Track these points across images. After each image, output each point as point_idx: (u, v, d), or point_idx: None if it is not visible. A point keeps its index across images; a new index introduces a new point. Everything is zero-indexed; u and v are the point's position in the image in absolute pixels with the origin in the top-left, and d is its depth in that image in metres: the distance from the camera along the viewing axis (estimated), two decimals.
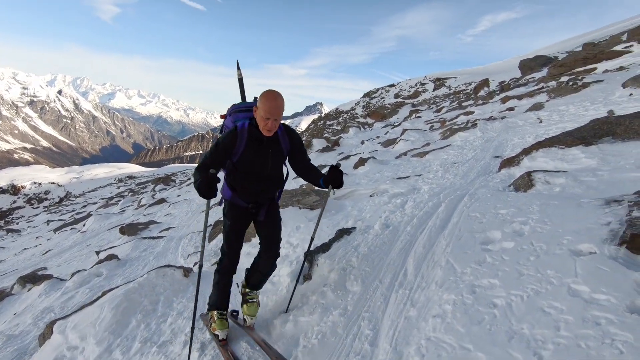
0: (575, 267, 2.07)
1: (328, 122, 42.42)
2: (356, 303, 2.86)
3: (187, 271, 4.86)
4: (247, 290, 3.22)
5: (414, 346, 2.09)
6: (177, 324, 3.67)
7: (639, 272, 1.90)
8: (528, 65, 27.52)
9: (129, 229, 11.08)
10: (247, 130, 2.65)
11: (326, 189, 2.88)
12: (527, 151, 5.25)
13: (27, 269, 10.01)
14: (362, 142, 17.25)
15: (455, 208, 3.75)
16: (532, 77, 21.23)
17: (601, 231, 2.35)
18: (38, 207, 42.55)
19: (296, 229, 5.18)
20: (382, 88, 67.37)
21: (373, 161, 9.61)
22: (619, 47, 16.63)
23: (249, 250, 5.03)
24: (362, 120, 34.92)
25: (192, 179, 2.71)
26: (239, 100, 3.24)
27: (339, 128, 30.23)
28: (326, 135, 24.15)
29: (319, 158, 15.21)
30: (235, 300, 3.66)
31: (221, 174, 2.82)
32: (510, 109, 12.14)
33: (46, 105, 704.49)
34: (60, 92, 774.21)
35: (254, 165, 2.73)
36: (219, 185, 2.65)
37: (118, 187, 41.77)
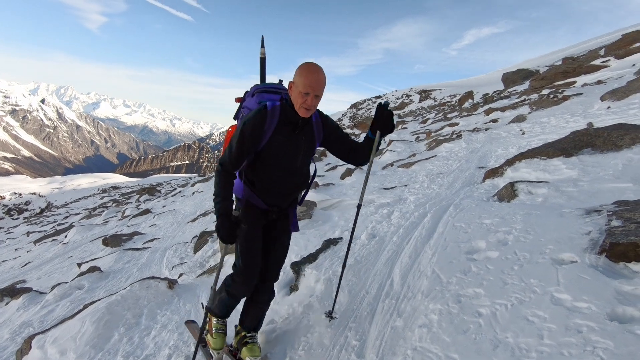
0: (557, 275, 2.11)
1: None
2: (343, 314, 2.85)
3: (171, 283, 4.78)
4: (244, 333, 2.68)
5: (400, 356, 2.09)
6: (161, 337, 3.60)
7: (618, 280, 1.95)
8: (510, 78, 28.16)
9: (113, 240, 10.86)
10: (279, 110, 2.19)
11: (374, 138, 2.44)
12: (510, 162, 5.35)
13: (5, 282, 9.71)
14: None
15: (440, 218, 3.79)
16: (515, 90, 21.72)
17: (582, 240, 2.40)
18: (18, 218, 41.44)
19: None
20: (369, 99, 68.16)
21: (360, 172, 9.66)
22: (597, 62, 17.17)
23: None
24: (349, 131, 35.15)
25: (213, 190, 2.20)
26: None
27: None
28: None
29: None
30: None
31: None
32: (494, 120, 12.38)
33: (28, 115, 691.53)
34: (43, 101, 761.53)
35: (282, 156, 2.25)
36: (237, 183, 2.35)
37: (101, 198, 41.02)
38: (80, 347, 3.52)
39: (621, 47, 19.04)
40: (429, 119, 24.51)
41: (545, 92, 14.18)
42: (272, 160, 2.25)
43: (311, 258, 3.97)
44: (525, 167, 4.98)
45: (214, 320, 2.72)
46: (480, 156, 7.84)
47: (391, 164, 10.44)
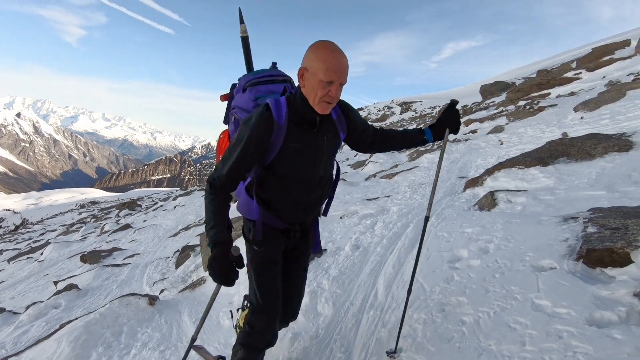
0: (537, 282, 2.15)
1: None
2: (327, 326, 2.83)
3: (152, 299, 4.67)
4: None
5: None
6: (142, 356, 3.49)
7: (595, 285, 2.00)
8: (488, 90, 28.92)
9: (91, 257, 10.57)
10: (287, 108, 1.68)
11: (438, 141, 2.09)
12: (490, 172, 5.45)
13: None
14: None
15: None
16: (493, 102, 22.28)
17: (560, 247, 2.45)
18: None
19: None
20: None
21: (343, 183, 9.70)
22: (569, 74, 17.80)
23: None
24: None
25: (204, 217, 1.74)
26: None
27: None
28: None
29: None
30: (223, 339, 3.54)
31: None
32: (473, 131, 12.64)
33: (3, 129, 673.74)
34: (19, 114, 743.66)
35: (300, 167, 1.76)
36: (238, 199, 1.92)
37: (80, 213, 39.99)
38: None
39: (592, 60, 19.81)
40: None
41: (521, 103, 14.59)
42: (288, 173, 1.76)
43: None
44: (504, 176, 5.09)
45: None
46: (460, 166, 7.97)
47: (374, 175, 10.51)
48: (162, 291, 5.73)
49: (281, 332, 2.93)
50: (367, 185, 9.40)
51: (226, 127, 2.10)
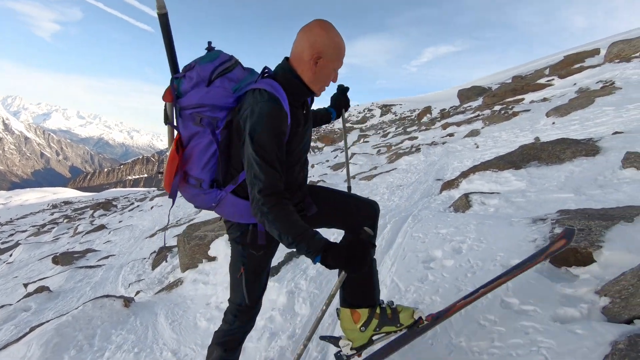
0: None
1: None
2: (305, 325, 2.85)
3: (127, 301, 4.59)
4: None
5: None
6: (116, 358, 3.44)
7: (560, 283, 2.09)
8: (465, 95, 29.54)
9: (63, 258, 10.28)
10: (284, 94, 1.59)
11: (337, 118, 2.38)
12: (465, 174, 5.60)
13: None
14: (312, 166, 17.46)
15: (400, 229, 3.89)
16: (469, 106, 22.78)
17: (529, 247, 2.55)
18: None
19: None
20: None
21: (322, 185, 9.75)
22: (542, 80, 18.35)
23: (195, 277, 4.88)
24: (312, 144, 35.42)
25: (278, 234, 1.50)
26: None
27: None
28: None
29: None
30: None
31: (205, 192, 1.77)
32: (450, 134, 12.91)
33: None
34: None
35: (301, 148, 1.77)
36: (231, 205, 1.73)
37: (52, 214, 38.75)
38: None
39: (563, 67, 20.49)
40: (389, 132, 25.15)
41: (497, 108, 14.96)
42: (293, 158, 1.71)
43: (273, 271, 3.95)
44: (478, 179, 5.23)
45: None
46: (437, 169, 8.13)
47: (353, 177, 10.60)
48: (137, 293, 5.64)
49: (258, 332, 2.95)
50: (346, 187, 9.47)
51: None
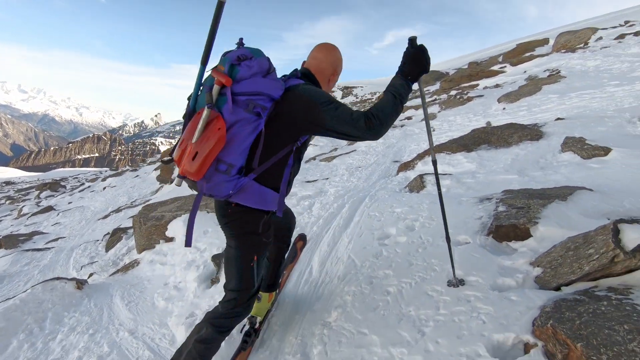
0: (454, 255, 2.39)
1: None
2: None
3: (80, 283, 4.46)
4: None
5: (317, 336, 2.22)
6: (69, 340, 3.36)
7: (500, 256, 2.28)
8: (424, 79, 30.12)
9: (7, 241, 9.72)
10: None
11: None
12: (420, 156, 5.81)
13: None
14: None
15: (357, 208, 4.02)
16: (428, 90, 23.32)
17: (475, 224, 2.74)
18: None
19: (204, 234, 5.06)
20: None
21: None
22: (495, 67, 19.08)
23: (152, 258, 4.81)
24: None
25: (395, 111, 1.70)
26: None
27: None
28: None
29: None
30: None
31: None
32: (409, 117, 13.22)
33: None
34: None
35: (307, 147, 2.06)
36: (255, 191, 1.80)
37: None
38: None
39: (515, 55, 21.38)
40: None
41: (453, 92, 15.46)
42: (302, 152, 1.99)
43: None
44: None
45: None
46: (395, 151, 8.35)
47: (314, 158, 10.67)
48: (91, 275, 5.48)
49: None
50: (306, 167, 9.53)
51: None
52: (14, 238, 10.04)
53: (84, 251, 7.47)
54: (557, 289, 1.86)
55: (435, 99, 15.46)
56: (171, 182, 13.79)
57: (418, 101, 17.38)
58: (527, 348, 1.60)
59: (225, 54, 1.77)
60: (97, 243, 7.63)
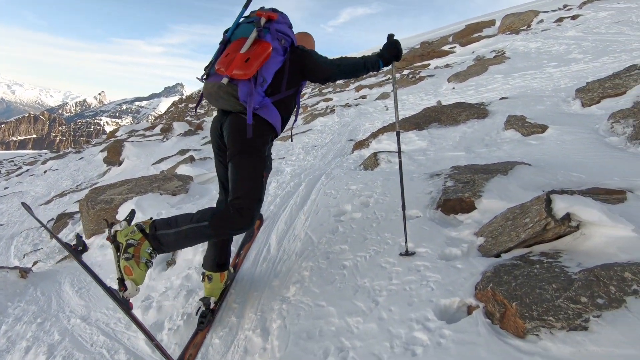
0: (405, 229, 2.52)
1: (190, 105, 40.22)
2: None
3: (24, 272, 4.23)
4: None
5: (277, 311, 2.28)
6: (15, 331, 3.22)
7: (447, 228, 2.42)
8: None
9: None
10: None
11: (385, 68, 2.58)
12: (374, 135, 5.93)
13: None
14: None
15: (314, 187, 4.08)
16: (382, 71, 23.65)
17: (425, 199, 2.88)
18: None
19: (157, 216, 4.94)
20: None
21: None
22: (446, 47, 19.62)
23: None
24: None
25: (357, 70, 2.39)
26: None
27: (202, 111, 29.03)
28: (188, 118, 22.97)
29: (180, 142, 14.45)
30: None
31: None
32: (363, 97, 13.38)
33: None
34: None
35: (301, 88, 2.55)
36: (272, 110, 2.23)
37: None
38: None
39: (464, 36, 22.03)
40: (305, 93, 25.17)
41: (405, 72, 15.76)
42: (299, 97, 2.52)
43: None
44: (386, 139, 5.59)
45: (146, 247, 2.10)
46: (350, 130, 8.46)
47: None
48: (35, 263, 5.20)
49: (175, 290, 2.97)
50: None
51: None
52: None
53: (25, 239, 7.05)
54: (498, 255, 2.02)
55: (389, 78, 15.70)
56: (119, 164, 13.14)
57: (372, 80, 17.58)
58: (469, 310, 1.74)
59: (261, 8, 2.28)
60: (41, 230, 7.21)
